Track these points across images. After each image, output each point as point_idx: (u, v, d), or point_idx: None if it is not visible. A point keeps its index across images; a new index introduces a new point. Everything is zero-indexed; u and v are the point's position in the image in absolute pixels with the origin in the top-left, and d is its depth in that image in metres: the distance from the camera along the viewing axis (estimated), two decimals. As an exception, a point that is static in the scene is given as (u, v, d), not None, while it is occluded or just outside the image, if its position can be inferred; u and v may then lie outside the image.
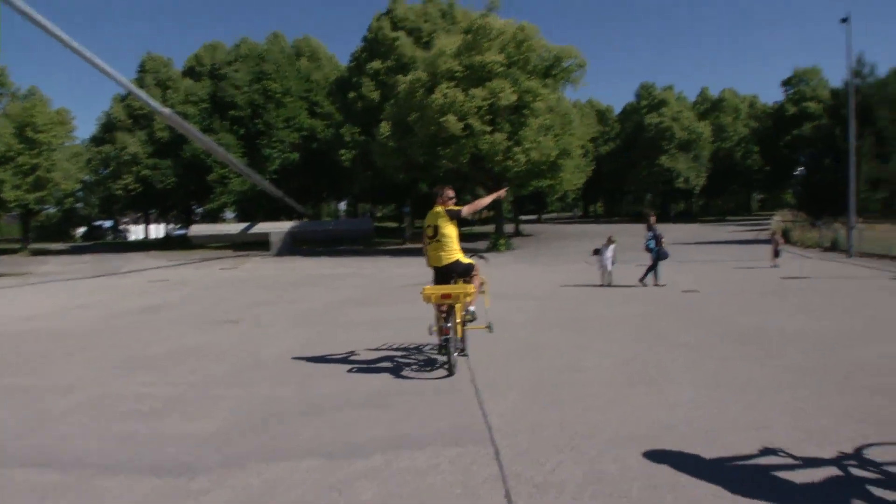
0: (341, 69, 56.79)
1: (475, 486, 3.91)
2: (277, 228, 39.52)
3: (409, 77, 37.21)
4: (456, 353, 6.99)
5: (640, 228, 20.21)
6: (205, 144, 31.63)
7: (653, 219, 16.46)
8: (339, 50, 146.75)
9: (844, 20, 23.12)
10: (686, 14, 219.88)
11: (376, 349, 8.45)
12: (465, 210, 7.33)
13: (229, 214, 63.58)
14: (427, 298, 6.93)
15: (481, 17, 36.04)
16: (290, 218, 47.71)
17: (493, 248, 35.24)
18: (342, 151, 45.59)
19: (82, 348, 9.20)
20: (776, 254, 20.13)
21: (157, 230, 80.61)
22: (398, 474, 4.13)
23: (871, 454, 4.25)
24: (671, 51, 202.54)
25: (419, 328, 9.20)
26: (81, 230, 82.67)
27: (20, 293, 19.10)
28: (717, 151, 75.83)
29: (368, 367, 7.40)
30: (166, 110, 23.85)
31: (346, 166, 46.45)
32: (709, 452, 4.30)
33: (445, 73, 34.07)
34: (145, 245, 54.75)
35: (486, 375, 6.76)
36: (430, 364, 7.49)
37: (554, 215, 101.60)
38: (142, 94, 24.44)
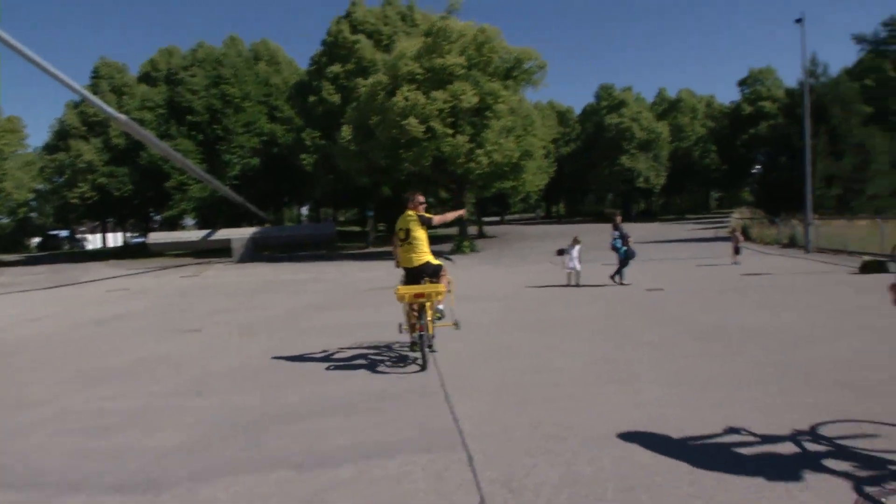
0: (301, 73, 56.34)
1: (449, 492, 3.85)
2: (239, 235, 38.93)
3: (370, 80, 37.08)
4: (427, 349, 7.33)
5: (602, 228, 20.38)
6: (162, 151, 31.14)
7: (618, 218, 16.55)
8: (298, 53, 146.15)
9: (799, 21, 23.56)
10: (642, 15, 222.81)
11: (343, 353, 8.37)
12: (436, 220, 7.80)
13: (189, 221, 62.64)
14: (401, 298, 7.28)
15: (441, 19, 36.04)
16: (251, 224, 47.14)
17: (458, 249, 35.21)
18: (303, 156, 45.20)
19: (39, 362, 8.93)
20: (736, 251, 20.41)
21: (116, 239, 79.14)
22: (371, 484, 4.05)
23: (824, 431, 4.59)
24: (629, 52, 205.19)
25: (386, 332, 9.28)
26: (36, 240, 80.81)
27: (-28, 306, 18.54)
28: (675, 151, 76.91)
29: (335, 372, 7.30)
30: (122, 116, 23.42)
31: (308, 171, 46.05)
32: (681, 452, 4.29)
33: (406, 76, 33.98)
34: (103, 254, 53.61)
35: (456, 379, 6.70)
36: (402, 361, 7.79)
37: (516, 216, 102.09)
38: (96, 100, 23.96)
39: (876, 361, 6.67)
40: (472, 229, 51.50)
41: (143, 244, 47.58)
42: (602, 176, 74.40)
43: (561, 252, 16.63)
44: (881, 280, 13.78)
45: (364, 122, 35.34)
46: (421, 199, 8.00)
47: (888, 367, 6.41)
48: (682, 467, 4.02)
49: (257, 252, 39.02)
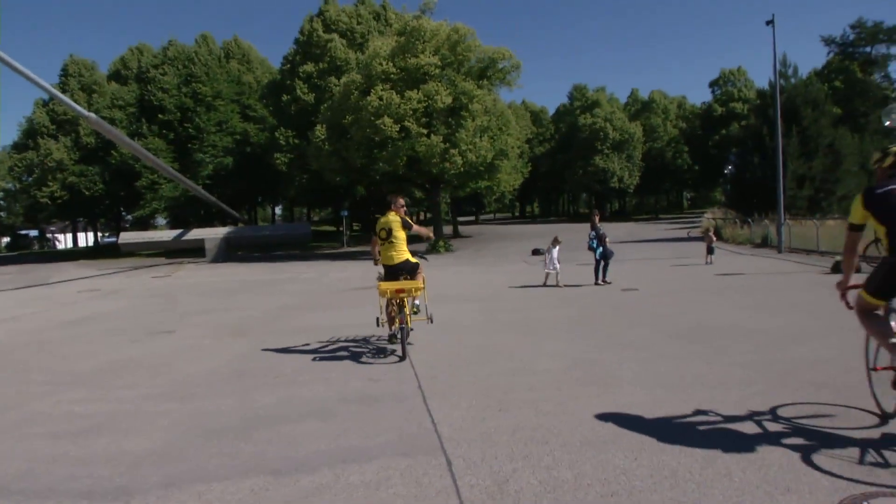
0: (273, 72, 55.98)
1: (429, 498, 3.78)
2: (212, 234, 38.51)
3: (344, 79, 36.95)
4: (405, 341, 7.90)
5: (576, 228, 20.41)
6: (133, 150, 30.70)
7: (596, 217, 16.52)
8: (271, 52, 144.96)
9: (769, 22, 23.80)
10: (614, 15, 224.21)
11: (321, 354, 8.30)
12: (414, 228, 8.54)
13: (161, 221, 61.91)
14: (383, 293, 7.96)
15: (415, 18, 36.00)
16: (224, 224, 46.70)
17: (433, 249, 35.13)
18: (277, 155, 44.88)
19: (6, 365, 8.70)
20: (709, 251, 20.58)
21: (87, 238, 78.02)
22: (348, 490, 3.97)
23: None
24: (601, 52, 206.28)
25: (365, 332, 9.19)
26: (6, 240, 79.35)
27: (-63, 308, 18.12)
28: (648, 151, 77.64)
29: (312, 374, 7.20)
30: (91, 115, 23.05)
31: (282, 170, 45.75)
32: (662, 456, 4.27)
33: (380, 76, 33.89)
34: (74, 254, 52.71)
35: (434, 381, 6.64)
36: (381, 352, 8.30)
37: (490, 216, 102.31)
38: (65, 98, 23.57)
39: (854, 363, 6.69)
40: (447, 229, 51.45)
41: (115, 244, 46.92)
42: (576, 176, 74.89)
43: (537, 252, 16.63)
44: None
45: (338, 121, 35.19)
46: (402, 202, 8.59)
47: (863, 367, 6.44)
48: (664, 471, 4.00)
49: (231, 252, 38.68)
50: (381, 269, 8.55)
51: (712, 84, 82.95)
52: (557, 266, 15.83)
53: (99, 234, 71.58)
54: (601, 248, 15.74)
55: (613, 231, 17.74)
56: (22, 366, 8.60)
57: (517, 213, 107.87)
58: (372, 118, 32.25)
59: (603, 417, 5.16)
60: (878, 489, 3.60)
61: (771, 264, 19.55)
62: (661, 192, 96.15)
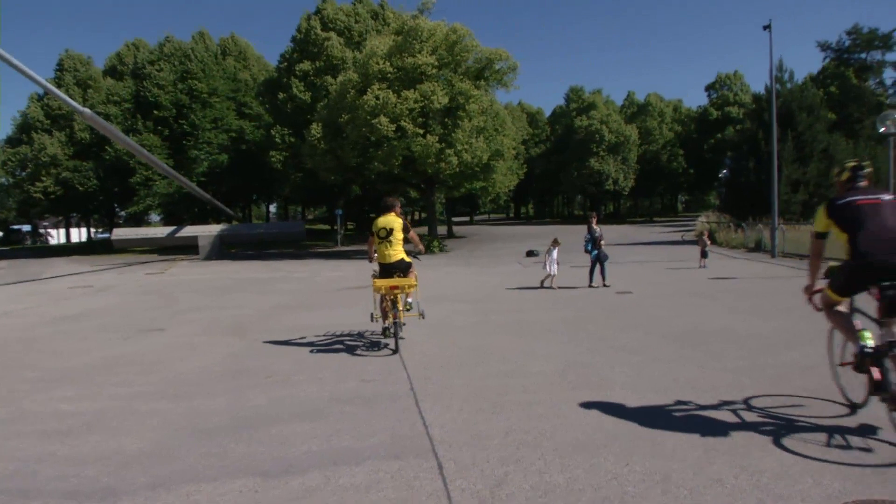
0: (270, 69, 55.89)
1: (419, 502, 3.76)
2: (206, 232, 38.39)
3: (341, 78, 36.92)
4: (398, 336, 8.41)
5: (571, 229, 20.40)
6: (127, 146, 30.54)
7: (594, 220, 16.46)
8: (268, 49, 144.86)
9: (766, 27, 23.83)
10: (612, 18, 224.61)
11: (313, 354, 8.27)
12: (411, 234, 8.87)
13: (155, 217, 61.73)
14: (378, 289, 8.47)
15: (412, 18, 35.99)
16: (218, 221, 46.57)
17: (427, 249, 35.12)
18: (272, 153, 44.82)
19: (-5, 362, 8.66)
20: (703, 254, 20.59)
21: (80, 234, 77.75)
22: (338, 492, 3.94)
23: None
24: (598, 55, 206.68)
25: (358, 329, 9.21)
26: (-2, 234, 79.01)
27: (-73, 303, 18.01)
28: (643, 154, 77.76)
29: (304, 374, 7.17)
30: (86, 110, 22.92)
31: (277, 168, 45.67)
32: (655, 461, 4.25)
33: (377, 75, 33.87)
34: (67, 249, 52.51)
35: (426, 382, 6.62)
36: (374, 346, 8.80)
37: (485, 217, 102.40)
38: (60, 93, 23.44)
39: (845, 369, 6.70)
40: (442, 229, 51.44)
41: (108, 240, 46.75)
42: (571, 178, 74.97)
43: (531, 253, 16.59)
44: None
45: (334, 120, 35.15)
46: (399, 205, 9.19)
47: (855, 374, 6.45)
48: (655, 476, 3.98)
49: (225, 250, 38.59)
50: (376, 267, 8.85)
51: (708, 88, 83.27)
52: (556, 268, 15.78)
53: (92, 230, 71.26)
54: (596, 251, 15.73)
55: (608, 234, 17.74)
56: (11, 362, 8.55)
57: (512, 214, 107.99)
58: (368, 117, 32.23)
59: (595, 421, 5.14)
60: (872, 499, 3.59)
61: (764, 269, 19.57)
62: (655, 195, 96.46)
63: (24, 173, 51.63)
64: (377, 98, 32.42)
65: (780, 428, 4.84)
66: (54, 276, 26.01)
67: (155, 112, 48.17)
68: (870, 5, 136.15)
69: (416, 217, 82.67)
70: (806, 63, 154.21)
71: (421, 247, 9.77)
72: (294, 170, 45.12)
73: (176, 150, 48.01)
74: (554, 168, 78.84)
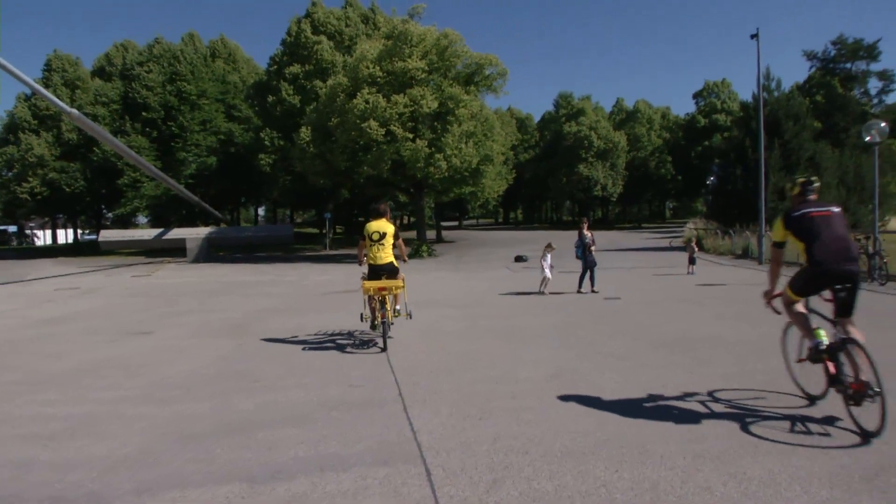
0: (259, 72, 55.76)
1: (407, 509, 3.74)
2: (194, 234, 38.20)
3: (330, 82, 36.87)
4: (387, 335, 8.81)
5: (560, 235, 20.40)
6: (115, 147, 30.36)
7: (584, 225, 16.44)
8: (257, 52, 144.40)
9: (754, 36, 23.98)
10: (602, 25, 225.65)
11: (300, 358, 8.23)
12: (399, 241, 9.39)
13: (142, 219, 61.37)
14: (367, 290, 8.92)
15: (403, 23, 36.00)
16: (207, 224, 46.37)
17: (416, 254, 35.07)
18: (261, 156, 44.69)
19: (-22, 365, 8.55)
20: (691, 261, 20.66)
21: (66, 236, 77.21)
22: (325, 499, 3.92)
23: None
24: (588, 61, 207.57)
25: (347, 338, 9.17)
26: (-17, 236, 78.35)
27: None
28: (632, 161, 78.12)
29: (291, 379, 7.13)
30: (74, 111, 22.77)
31: (266, 171, 45.53)
32: (644, 469, 4.25)
33: (367, 79, 33.84)
34: (53, 251, 52.11)
35: (414, 388, 6.60)
36: (364, 345, 9.20)
37: (473, 221, 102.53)
38: (47, 93, 23.30)
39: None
40: (431, 233, 51.42)
41: (95, 242, 46.44)
42: (560, 183, 75.21)
43: (519, 258, 16.57)
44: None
45: (323, 123, 35.10)
46: (389, 211, 9.81)
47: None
48: (644, 484, 3.98)
49: (212, 253, 38.43)
50: (365, 270, 9.27)
51: (696, 95, 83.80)
52: (550, 272, 15.74)
53: (79, 232, 70.80)
54: (585, 257, 15.73)
55: (596, 239, 17.70)
56: (-5, 365, 8.45)
57: (501, 219, 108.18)
58: (357, 121, 32.20)
59: (584, 427, 5.14)
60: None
61: (752, 275, 19.64)
62: (643, 202, 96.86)
63: (10, 174, 51.16)
64: (367, 102, 32.39)
65: (770, 434, 4.85)
66: (40, 278, 25.82)
67: (143, 113, 47.91)
68: (855, 16, 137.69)
69: (405, 221, 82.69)
70: (792, 71, 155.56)
71: (405, 256, 9.98)
72: (283, 173, 45.04)
73: (164, 151, 47.74)
74: (543, 173, 79.05)
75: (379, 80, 33.79)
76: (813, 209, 5.34)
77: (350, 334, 10.16)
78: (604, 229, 63.51)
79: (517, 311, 12.91)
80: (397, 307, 9.39)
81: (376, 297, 8.92)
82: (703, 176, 68.53)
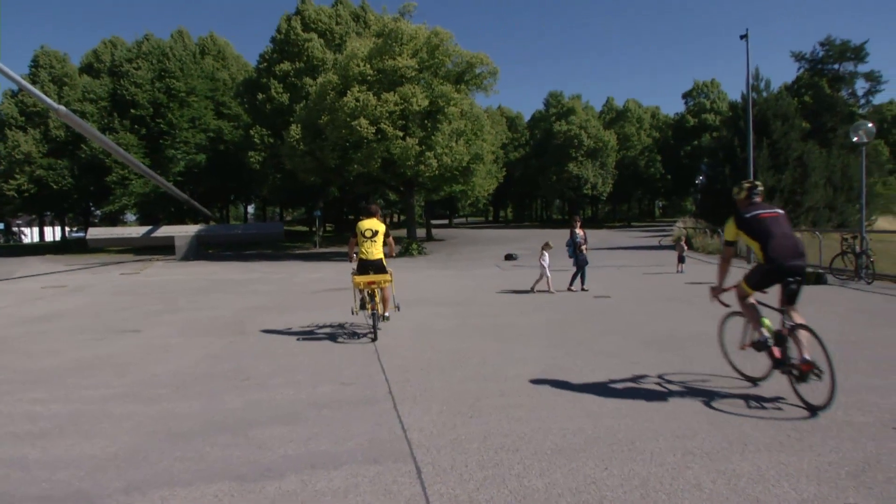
0: (249, 70, 55.52)
1: (398, 506, 3.74)
2: (183, 232, 38.03)
3: (320, 79, 36.78)
4: (377, 325, 9.47)
5: (550, 234, 20.40)
6: (103, 144, 30.19)
7: (577, 224, 16.42)
8: (247, 49, 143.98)
9: (743, 37, 24.08)
10: (593, 25, 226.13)
11: (290, 357, 8.19)
12: (390, 238, 10.21)
13: (130, 217, 61.03)
14: (357, 284, 9.57)
15: (394, 21, 35.95)
16: (195, 221, 46.17)
17: (406, 252, 35.05)
18: (251, 154, 44.50)
19: (-35, 362, 8.48)
20: (681, 259, 20.73)
21: (54, 233, 76.71)
22: (315, 497, 3.91)
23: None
24: (578, 60, 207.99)
25: (336, 332, 9.15)
26: (-31, 233, 77.87)
27: None
28: (622, 160, 78.30)
29: (281, 377, 7.11)
30: (61, 108, 22.64)
31: (255, 169, 45.36)
32: (634, 465, 4.27)
33: (357, 77, 33.77)
34: (40, 248, 51.81)
35: (405, 386, 6.60)
36: (354, 336, 9.73)
37: (463, 220, 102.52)
38: (34, 90, 23.13)
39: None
40: (421, 232, 51.39)
41: (83, 239, 46.15)
42: (550, 182, 75.28)
43: (509, 257, 16.55)
44: (820, 292, 14.17)
45: (313, 121, 34.99)
46: (379, 210, 10.38)
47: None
48: (634, 480, 4.00)
49: (201, 250, 38.28)
50: (355, 266, 9.85)
51: (685, 95, 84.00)
52: (547, 271, 15.70)
53: (67, 229, 70.37)
54: (576, 255, 15.74)
55: (587, 238, 17.70)
56: (-18, 363, 8.39)
57: (491, 218, 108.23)
58: (347, 119, 32.12)
59: (574, 425, 5.15)
60: None
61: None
62: (633, 200, 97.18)
63: (-3, 171, 50.78)
64: (357, 100, 32.32)
65: (759, 431, 4.88)
66: (27, 276, 25.65)
67: (132, 111, 47.62)
68: (843, 18, 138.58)
69: (395, 219, 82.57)
70: (781, 72, 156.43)
71: (393, 252, 10.80)
72: (272, 171, 44.87)
73: (153, 149, 47.48)
74: (533, 172, 79.13)
75: (369, 78, 33.73)
76: (762, 211, 5.89)
77: (341, 326, 10.71)
78: (594, 228, 63.54)
79: (507, 309, 12.92)
80: (386, 313, 9.97)
81: (366, 291, 9.54)
82: (693, 175, 68.63)
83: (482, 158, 37.85)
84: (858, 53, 57.26)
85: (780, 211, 5.97)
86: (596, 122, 76.78)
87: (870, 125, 18.15)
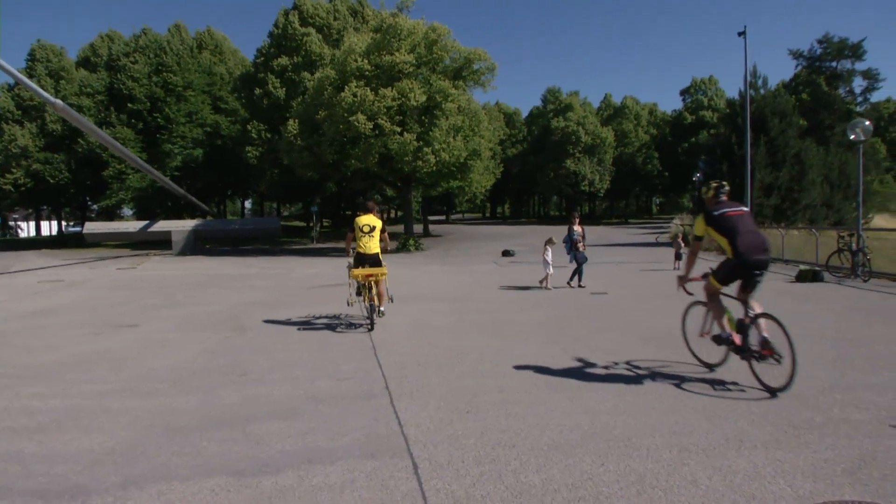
0: (247, 64, 55.39)
1: (394, 502, 3.75)
2: (180, 227, 37.93)
3: (318, 75, 36.69)
4: (375, 315, 9.99)
5: (548, 230, 20.38)
6: (100, 138, 30.08)
7: (574, 220, 16.40)
8: (244, 44, 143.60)
9: (741, 34, 24.09)
10: (591, 21, 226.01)
11: (287, 352, 8.19)
12: (385, 234, 10.68)
13: (127, 212, 60.92)
14: (356, 276, 10.06)
15: (392, 16, 35.87)
16: (193, 216, 46.08)
17: (403, 248, 35.03)
18: (248, 149, 44.39)
19: (-39, 357, 8.47)
20: (678, 256, 20.75)
21: (51, 227, 76.54)
22: (312, 492, 3.92)
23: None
24: (576, 57, 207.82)
25: (332, 329, 9.15)
26: (-34, 227, 77.68)
27: None
28: (619, 156, 78.29)
29: (278, 372, 7.11)
30: (58, 102, 22.53)
31: (253, 164, 45.26)
32: (630, 462, 4.28)
33: (355, 72, 33.68)
34: (37, 243, 51.68)
35: (402, 381, 6.60)
36: (351, 326, 10.14)
37: (460, 216, 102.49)
38: (31, 84, 23.05)
39: (819, 371, 6.77)
40: (418, 228, 51.37)
41: (80, 234, 46.06)
42: (547, 178, 75.31)
43: (506, 253, 16.53)
44: (816, 289, 14.21)
45: (311, 116, 34.91)
46: (377, 207, 11.20)
47: (828, 376, 6.54)
48: (630, 477, 4.01)
49: (198, 245, 38.21)
50: (351, 260, 10.42)
51: (683, 92, 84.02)
52: (550, 267, 15.68)
53: (63, 224, 70.20)
54: (573, 252, 15.72)
55: (585, 234, 17.68)
56: (-21, 357, 8.37)
57: (488, 214, 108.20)
58: (345, 114, 32.03)
59: (571, 421, 5.16)
60: (842, 500, 3.65)
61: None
62: (631, 197, 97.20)
63: (-7, 164, 50.61)
64: (355, 95, 32.22)
65: (755, 429, 4.89)
66: (24, 270, 25.59)
67: (129, 105, 47.47)
68: (840, 15, 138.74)
69: (393, 215, 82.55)
70: (778, 70, 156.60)
71: (388, 246, 11.16)
72: (270, 166, 44.78)
73: (150, 143, 47.35)
74: (530, 168, 79.17)
75: (367, 73, 33.64)
76: (728, 209, 6.25)
77: (337, 317, 11.21)
78: (591, 224, 63.58)
79: (505, 305, 12.93)
80: (381, 308, 10.50)
81: (364, 283, 10.03)
82: (690, 172, 68.64)
83: (480, 154, 37.80)
84: (856, 51, 57.37)
85: (745, 209, 6.37)
86: (594, 119, 76.77)
87: (867, 123, 18.18)
